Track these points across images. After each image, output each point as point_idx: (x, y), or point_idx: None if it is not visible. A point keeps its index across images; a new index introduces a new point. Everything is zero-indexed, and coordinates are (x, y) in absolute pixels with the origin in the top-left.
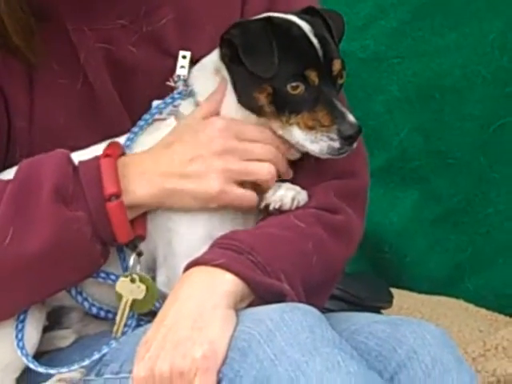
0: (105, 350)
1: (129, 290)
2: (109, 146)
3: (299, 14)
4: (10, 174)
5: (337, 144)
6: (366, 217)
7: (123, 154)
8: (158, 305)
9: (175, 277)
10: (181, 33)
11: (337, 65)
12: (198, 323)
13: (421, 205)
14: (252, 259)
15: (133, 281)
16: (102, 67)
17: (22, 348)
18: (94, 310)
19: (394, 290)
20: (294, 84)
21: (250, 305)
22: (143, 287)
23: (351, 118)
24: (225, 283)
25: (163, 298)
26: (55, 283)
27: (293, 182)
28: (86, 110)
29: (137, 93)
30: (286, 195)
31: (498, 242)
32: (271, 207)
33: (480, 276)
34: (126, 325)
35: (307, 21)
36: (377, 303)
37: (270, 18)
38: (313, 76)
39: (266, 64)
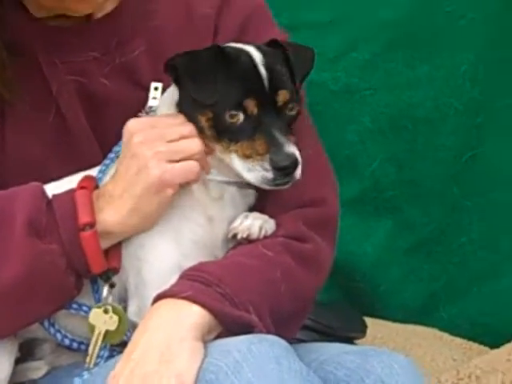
0: (77, 382)
1: (102, 320)
2: (83, 179)
3: (259, 46)
4: None
5: (270, 174)
6: (340, 246)
7: (97, 186)
8: (128, 334)
9: (145, 307)
10: (153, 64)
11: (282, 96)
12: (165, 356)
13: (394, 234)
14: (220, 291)
15: (106, 311)
16: (75, 99)
17: None
18: (67, 342)
19: (367, 319)
20: (232, 113)
21: (218, 336)
22: (116, 318)
23: (288, 148)
24: (192, 315)
25: (134, 328)
26: (28, 316)
27: (260, 210)
28: (60, 142)
29: (109, 124)
30: (254, 224)
31: (471, 271)
32: (239, 236)
33: (454, 305)
34: (98, 356)
35: (264, 52)
36: (350, 333)
37: (219, 47)
38: (251, 106)
39: (208, 91)
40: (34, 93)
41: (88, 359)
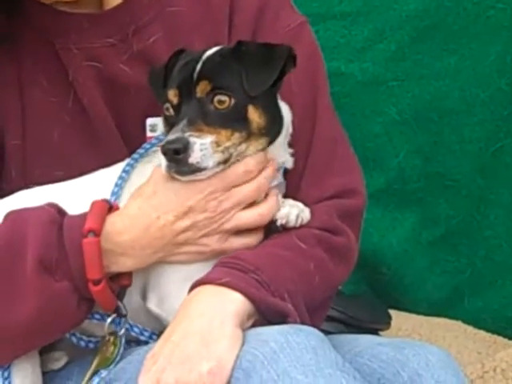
0: (95, 380)
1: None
2: (92, 212)
3: (223, 47)
4: (3, 205)
5: (164, 161)
6: (365, 238)
7: (110, 207)
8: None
9: (168, 296)
10: (170, 50)
11: (201, 86)
12: (206, 340)
13: (419, 226)
14: (256, 278)
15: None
16: (92, 85)
17: None
18: (83, 344)
19: (392, 312)
20: (165, 105)
21: (252, 325)
22: (112, 348)
23: (177, 134)
24: (232, 302)
25: (155, 318)
26: (41, 342)
27: (294, 198)
28: (79, 127)
29: (129, 110)
30: (291, 212)
31: (496, 264)
32: (278, 223)
33: (479, 298)
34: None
35: (219, 51)
36: (375, 325)
37: (181, 50)
38: (171, 95)
39: (156, 88)
40: (51, 78)
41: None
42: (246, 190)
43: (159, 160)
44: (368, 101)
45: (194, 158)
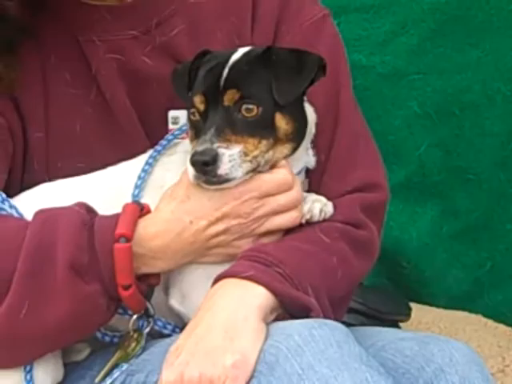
0: (116, 373)
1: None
2: (124, 216)
3: (251, 50)
4: (27, 198)
5: (192, 171)
6: (386, 231)
7: (142, 208)
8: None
9: (190, 293)
10: (193, 42)
11: (229, 94)
12: (230, 333)
13: (440, 220)
14: (280, 272)
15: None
16: (115, 77)
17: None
18: (107, 339)
19: (412, 305)
20: (191, 110)
21: (275, 320)
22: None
23: (206, 145)
24: (256, 296)
25: (177, 314)
26: (70, 341)
27: (317, 192)
28: (101, 119)
29: (151, 102)
30: (315, 207)
31: None
32: (303, 220)
33: (499, 291)
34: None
35: (246, 55)
36: (395, 316)
37: (205, 51)
38: (198, 102)
39: (181, 91)
40: (74, 71)
41: (101, 375)
42: (282, 200)
43: (183, 154)
44: (389, 94)
45: (223, 169)
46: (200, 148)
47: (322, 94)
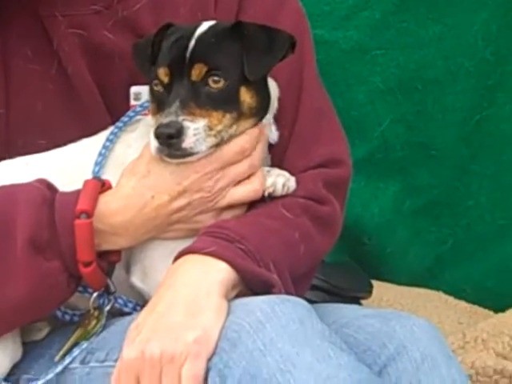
0: (76, 352)
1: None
2: (85, 192)
3: (217, 24)
4: None
5: (155, 143)
6: (348, 208)
7: (103, 184)
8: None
9: (152, 270)
10: (155, 17)
11: (197, 69)
12: (191, 310)
13: (402, 196)
14: (242, 247)
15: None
16: (77, 53)
17: None
18: (67, 317)
19: (373, 282)
20: (154, 81)
21: (236, 296)
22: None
23: (171, 118)
24: (218, 271)
25: (138, 292)
26: (29, 319)
27: (280, 167)
28: (63, 95)
29: (113, 78)
30: (278, 181)
31: (478, 235)
32: (265, 193)
33: (460, 268)
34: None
35: (212, 28)
36: (357, 293)
37: (169, 24)
38: (162, 75)
39: (143, 64)
40: (35, 46)
41: (61, 353)
42: (241, 168)
43: (144, 130)
44: (352, 69)
45: (188, 143)
46: (165, 120)
47: (286, 70)
